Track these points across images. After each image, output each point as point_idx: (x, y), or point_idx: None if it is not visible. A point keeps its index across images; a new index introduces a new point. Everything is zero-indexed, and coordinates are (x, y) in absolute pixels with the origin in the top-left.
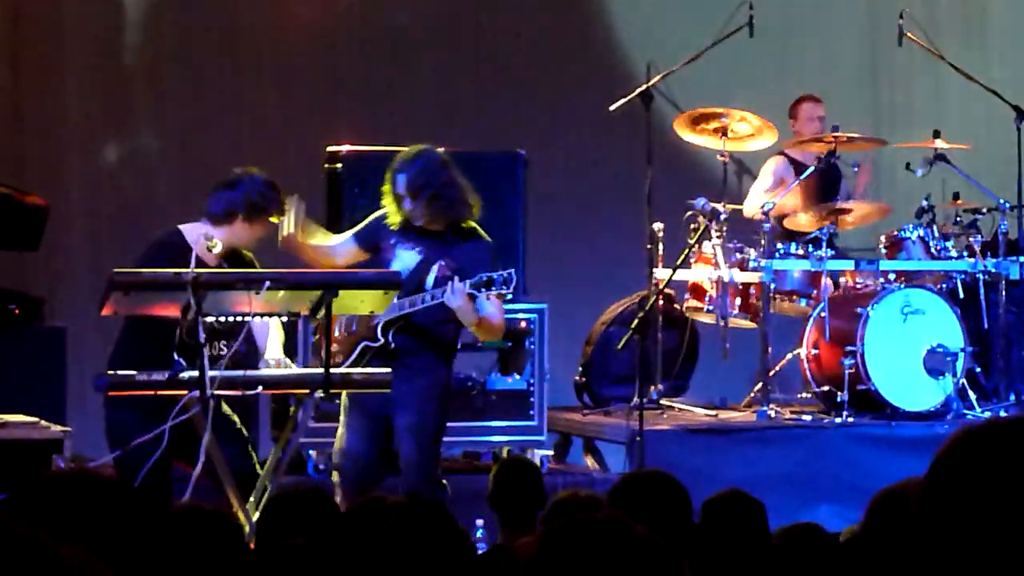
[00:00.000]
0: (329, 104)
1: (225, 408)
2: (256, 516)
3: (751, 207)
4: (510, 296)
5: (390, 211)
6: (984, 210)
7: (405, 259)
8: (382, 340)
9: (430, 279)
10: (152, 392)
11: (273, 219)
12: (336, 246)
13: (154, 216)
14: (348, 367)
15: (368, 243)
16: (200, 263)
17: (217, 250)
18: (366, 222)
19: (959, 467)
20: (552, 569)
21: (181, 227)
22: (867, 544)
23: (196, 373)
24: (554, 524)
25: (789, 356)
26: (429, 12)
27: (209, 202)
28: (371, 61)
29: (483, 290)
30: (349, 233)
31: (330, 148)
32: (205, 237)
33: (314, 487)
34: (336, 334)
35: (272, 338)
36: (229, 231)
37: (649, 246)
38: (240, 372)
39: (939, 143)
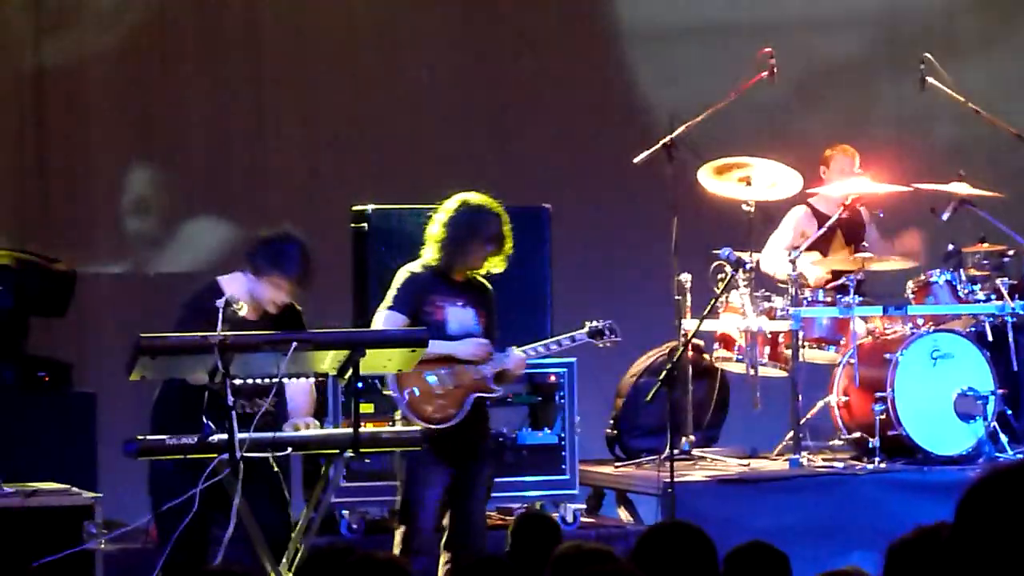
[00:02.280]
0: (352, 162)
1: (270, 465)
2: None
3: (769, 262)
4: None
5: (468, 262)
6: (1011, 252)
7: (460, 316)
8: (499, 391)
9: (478, 328)
10: (182, 456)
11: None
12: None
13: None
14: (461, 421)
15: (412, 310)
16: (238, 318)
17: (243, 312)
18: (398, 291)
19: (986, 507)
20: None
21: (220, 279)
22: None
23: (225, 436)
24: (568, 572)
25: (820, 404)
26: (451, 65)
27: (258, 254)
28: (394, 116)
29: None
30: (389, 312)
31: (355, 207)
32: (230, 300)
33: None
34: (438, 390)
35: (300, 398)
36: (269, 285)
37: (677, 297)
38: (270, 434)
39: (964, 187)
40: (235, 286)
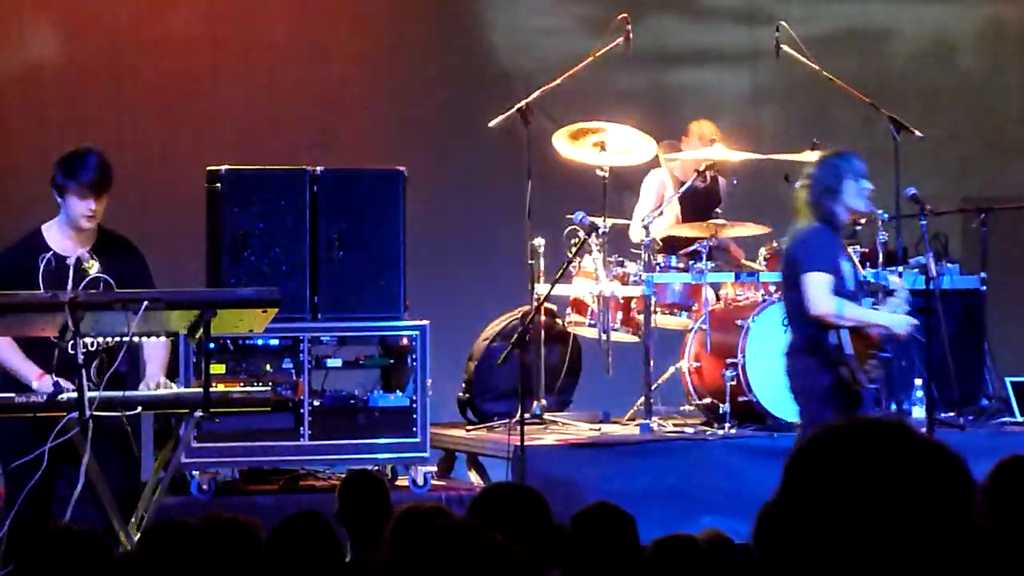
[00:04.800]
0: (207, 123)
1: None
2: (137, 536)
3: (637, 231)
4: None
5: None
6: (863, 221)
7: (847, 269)
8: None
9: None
10: (31, 414)
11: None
12: None
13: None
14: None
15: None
16: (60, 259)
17: (95, 271)
18: (824, 251)
19: (812, 467)
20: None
21: (43, 226)
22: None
23: (75, 394)
24: (408, 531)
25: (671, 369)
26: (305, 27)
27: (55, 174)
28: (250, 78)
29: None
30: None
31: (210, 168)
32: (81, 259)
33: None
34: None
35: (155, 358)
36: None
37: (530, 261)
38: (119, 393)
39: (818, 155)
40: (54, 227)
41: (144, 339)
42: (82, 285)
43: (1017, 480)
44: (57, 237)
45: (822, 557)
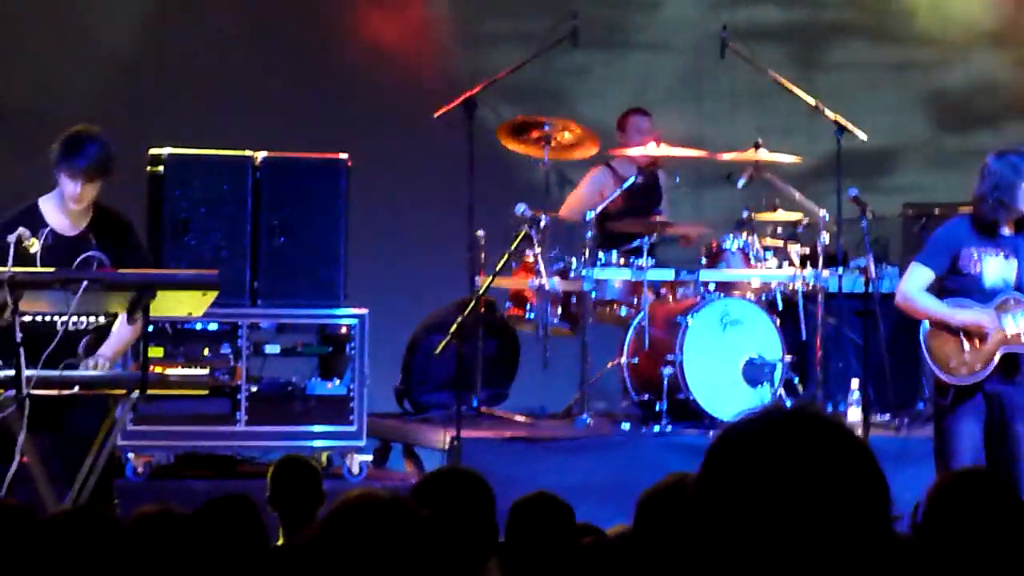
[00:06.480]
0: (149, 106)
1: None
2: None
3: (568, 211)
4: None
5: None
6: (805, 222)
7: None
8: None
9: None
10: None
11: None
12: None
13: None
14: (987, 375)
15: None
16: (57, 236)
17: (34, 249)
18: (936, 244)
19: (726, 461)
20: (334, 547)
21: (40, 199)
22: (638, 542)
23: (12, 372)
24: (337, 506)
25: (609, 365)
26: (252, 12)
27: (55, 151)
28: (193, 62)
29: None
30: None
31: (152, 150)
32: (21, 237)
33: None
34: (968, 346)
35: (112, 339)
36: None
37: (471, 253)
38: (56, 372)
39: (761, 154)
40: (51, 202)
41: (95, 321)
42: (75, 264)
43: (958, 494)
44: (54, 213)
45: (733, 543)
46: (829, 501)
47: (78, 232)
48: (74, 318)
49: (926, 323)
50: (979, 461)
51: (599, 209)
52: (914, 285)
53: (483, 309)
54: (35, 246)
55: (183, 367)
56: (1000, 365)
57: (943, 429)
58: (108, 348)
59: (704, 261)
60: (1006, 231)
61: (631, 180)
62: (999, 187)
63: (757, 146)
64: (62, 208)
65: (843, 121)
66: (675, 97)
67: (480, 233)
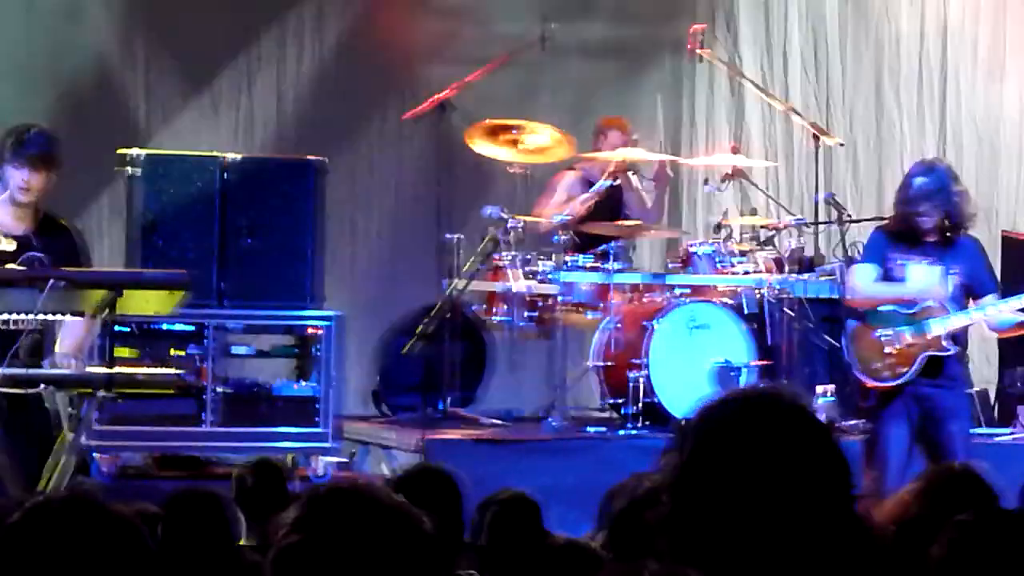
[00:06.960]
0: (126, 108)
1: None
2: None
3: (540, 214)
4: None
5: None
6: (781, 226)
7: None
8: (953, 349)
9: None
10: None
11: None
12: None
13: None
14: (910, 377)
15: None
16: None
17: (10, 248)
18: (867, 251)
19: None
20: (311, 531)
21: None
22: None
23: None
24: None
25: (579, 368)
26: (228, 17)
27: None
28: (171, 64)
29: None
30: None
31: (121, 151)
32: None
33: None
34: (890, 349)
35: (69, 338)
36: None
37: (442, 256)
38: (23, 370)
39: (738, 159)
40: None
41: (62, 319)
42: (19, 262)
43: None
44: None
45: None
46: (795, 474)
47: (21, 233)
48: (12, 316)
49: (849, 325)
50: (906, 464)
51: (568, 213)
52: (862, 280)
53: (454, 312)
54: (12, 245)
55: (150, 367)
56: (923, 369)
57: (871, 432)
58: (69, 348)
59: (670, 266)
60: (932, 238)
61: (600, 185)
62: (907, 200)
63: (734, 150)
64: (6, 207)
65: (819, 125)
66: (650, 102)
67: (452, 235)
